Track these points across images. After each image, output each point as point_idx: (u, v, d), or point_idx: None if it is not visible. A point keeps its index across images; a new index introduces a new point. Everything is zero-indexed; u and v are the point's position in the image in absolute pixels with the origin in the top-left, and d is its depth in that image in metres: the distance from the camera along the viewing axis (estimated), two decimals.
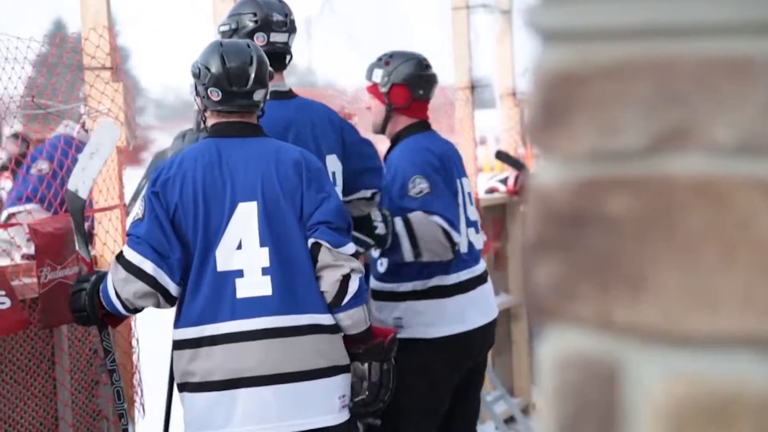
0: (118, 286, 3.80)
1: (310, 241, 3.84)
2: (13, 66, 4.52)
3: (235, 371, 3.73)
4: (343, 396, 3.88)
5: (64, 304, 4.25)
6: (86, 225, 4.99)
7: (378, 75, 5.04)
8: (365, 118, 7.39)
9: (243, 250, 3.76)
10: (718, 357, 0.86)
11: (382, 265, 4.97)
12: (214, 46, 3.96)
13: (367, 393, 4.02)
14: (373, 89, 5.07)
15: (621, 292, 0.90)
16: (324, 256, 3.84)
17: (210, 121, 3.96)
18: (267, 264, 3.76)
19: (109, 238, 4.72)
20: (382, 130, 5.11)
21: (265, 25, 4.30)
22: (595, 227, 0.92)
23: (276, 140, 4.00)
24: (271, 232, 3.78)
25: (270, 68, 4.00)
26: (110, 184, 4.68)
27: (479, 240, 5.14)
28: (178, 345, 3.84)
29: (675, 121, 0.88)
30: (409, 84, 5.02)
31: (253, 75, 3.88)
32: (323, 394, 3.79)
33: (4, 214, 5.10)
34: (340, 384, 3.88)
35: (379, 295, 4.98)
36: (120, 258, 3.81)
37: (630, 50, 0.90)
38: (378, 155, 4.74)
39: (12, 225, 5.06)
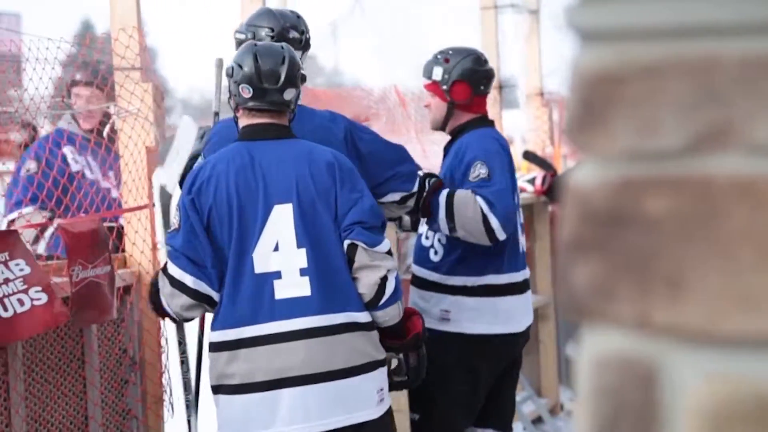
0: (166, 299, 3.87)
1: (346, 242, 3.88)
2: (44, 66, 4.54)
3: (279, 371, 3.78)
4: (381, 389, 3.94)
5: (95, 303, 4.28)
6: (115, 224, 5.01)
7: (438, 73, 5.07)
8: (393, 116, 7.39)
9: (280, 252, 3.81)
10: (759, 358, 0.85)
11: (436, 254, 4.99)
12: (248, 46, 4.01)
13: (407, 377, 4.11)
14: (434, 87, 5.10)
15: (660, 292, 0.90)
16: (361, 257, 3.88)
17: (241, 122, 4.00)
18: (305, 265, 3.81)
19: (138, 238, 4.73)
20: (442, 126, 5.13)
21: (280, 41, 4.30)
22: (634, 227, 0.91)
23: (307, 141, 4.04)
24: (307, 233, 3.83)
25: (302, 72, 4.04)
26: (139, 185, 4.69)
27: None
28: (215, 347, 3.88)
29: (714, 121, 0.88)
30: (470, 80, 5.06)
31: (284, 74, 3.93)
32: (362, 389, 3.85)
33: (4, 222, 5.11)
34: (377, 378, 3.92)
35: (426, 284, 4.99)
36: (165, 271, 3.88)
37: (669, 50, 0.90)
38: (407, 157, 4.73)
39: (31, 226, 5.06)
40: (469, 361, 4.91)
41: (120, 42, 4.61)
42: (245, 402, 3.81)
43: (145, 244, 4.72)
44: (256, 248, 3.81)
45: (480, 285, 4.93)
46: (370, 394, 3.87)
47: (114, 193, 5.42)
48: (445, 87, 5.06)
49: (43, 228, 5.08)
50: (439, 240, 4.98)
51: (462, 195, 4.76)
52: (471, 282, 4.93)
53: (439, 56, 5.12)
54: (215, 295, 3.85)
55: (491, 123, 5.15)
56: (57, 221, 4.43)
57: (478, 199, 4.77)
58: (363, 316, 3.90)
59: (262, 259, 3.81)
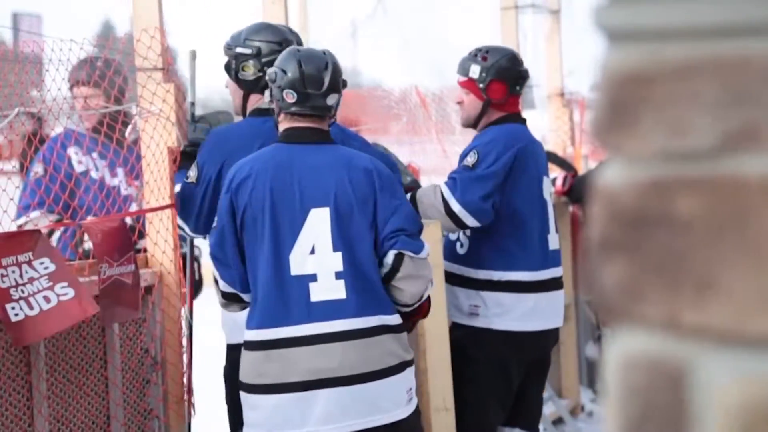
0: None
1: (392, 252, 3.96)
2: (67, 67, 4.55)
3: (315, 372, 3.85)
4: (410, 389, 4.01)
5: (121, 301, 4.29)
6: (137, 224, 5.02)
7: (475, 70, 5.11)
8: (413, 117, 7.39)
9: (316, 255, 3.88)
10: None
11: (462, 247, 5.02)
12: (291, 51, 4.10)
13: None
14: (470, 84, 5.13)
15: (689, 293, 0.90)
16: (407, 267, 3.95)
17: (282, 126, 4.08)
18: (340, 268, 3.88)
19: (160, 238, 4.73)
20: (474, 124, 5.18)
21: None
22: (663, 228, 0.91)
23: (346, 148, 4.14)
24: (343, 237, 3.90)
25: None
26: (161, 184, 4.70)
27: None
28: (251, 346, 3.94)
29: (745, 121, 0.87)
30: (507, 79, 5.11)
31: (328, 79, 4.02)
32: (394, 389, 3.92)
33: (13, 226, 5.13)
34: (407, 378, 4.00)
35: (454, 279, 5.02)
36: (215, 277, 4.07)
37: (699, 50, 0.90)
38: (393, 160, 4.85)
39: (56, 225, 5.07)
40: (499, 357, 4.95)
41: (142, 42, 4.61)
42: (280, 401, 3.88)
43: (167, 245, 4.73)
44: (292, 250, 3.88)
45: (506, 280, 4.98)
46: (401, 394, 3.96)
47: (124, 191, 5.44)
48: (482, 85, 5.10)
49: (49, 232, 5.09)
50: (464, 233, 5.03)
51: (424, 188, 5.01)
52: (497, 276, 4.98)
53: (476, 54, 5.15)
54: (244, 296, 3.95)
55: (522, 121, 5.19)
56: (79, 223, 4.44)
57: (442, 185, 4.92)
58: (394, 319, 3.98)
59: (299, 262, 3.88)
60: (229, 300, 4.03)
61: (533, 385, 5.16)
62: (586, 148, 9.95)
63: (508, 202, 4.98)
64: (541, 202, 5.07)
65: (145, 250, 4.77)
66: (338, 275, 3.89)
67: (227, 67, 4.62)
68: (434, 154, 6.94)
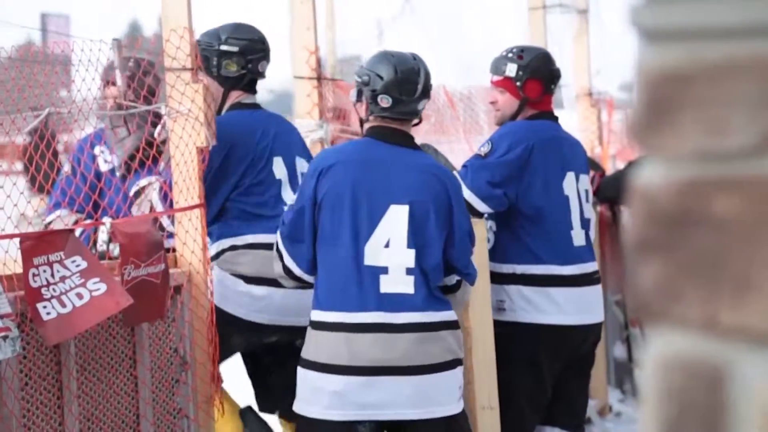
0: (275, 260, 4.23)
1: (458, 278, 4.20)
2: (96, 68, 4.56)
3: (377, 360, 3.99)
4: (461, 387, 4.16)
5: (146, 301, 4.31)
6: (165, 225, 5.03)
7: (512, 69, 5.14)
8: (441, 117, 7.38)
9: (390, 249, 4.04)
10: None
11: (488, 242, 5.04)
12: (385, 56, 4.27)
13: None
14: (506, 83, 5.16)
15: (728, 293, 0.89)
16: (461, 293, 4.25)
17: (369, 124, 4.25)
18: (412, 265, 4.05)
19: (189, 238, 4.74)
20: (510, 122, 5.21)
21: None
22: (701, 228, 0.91)
23: (425, 154, 4.32)
24: (417, 236, 4.07)
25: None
26: (190, 184, 4.71)
27: (590, 238, 5.21)
28: (317, 326, 4.10)
29: None
30: (543, 78, 5.14)
31: (420, 86, 4.19)
32: (448, 385, 4.08)
33: (43, 225, 5.15)
34: (458, 376, 4.17)
35: None
36: (277, 242, 4.22)
37: (737, 49, 0.89)
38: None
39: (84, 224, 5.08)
40: (529, 352, 4.97)
41: (171, 43, 4.63)
42: (341, 383, 4.02)
43: (196, 244, 4.74)
44: (368, 242, 4.05)
45: (530, 274, 4.99)
46: (454, 390, 4.11)
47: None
48: (519, 83, 5.12)
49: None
50: (490, 227, 5.05)
51: None
52: (520, 270, 4.99)
53: (510, 53, 5.17)
54: (306, 277, 4.13)
55: (554, 118, 5.21)
56: (107, 220, 4.45)
57: (454, 173, 4.94)
58: (453, 316, 4.16)
59: (373, 253, 4.04)
60: (288, 275, 4.20)
61: (574, 383, 5.16)
62: (614, 147, 9.93)
63: (527, 196, 5.00)
64: (562, 198, 5.07)
65: (173, 250, 4.78)
66: (409, 271, 4.05)
67: (206, 64, 4.78)
68: (462, 153, 6.93)
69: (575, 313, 5.05)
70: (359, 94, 4.25)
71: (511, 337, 4.95)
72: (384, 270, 4.04)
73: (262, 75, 5.02)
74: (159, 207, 5.09)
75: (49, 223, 5.15)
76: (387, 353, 4.00)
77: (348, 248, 4.05)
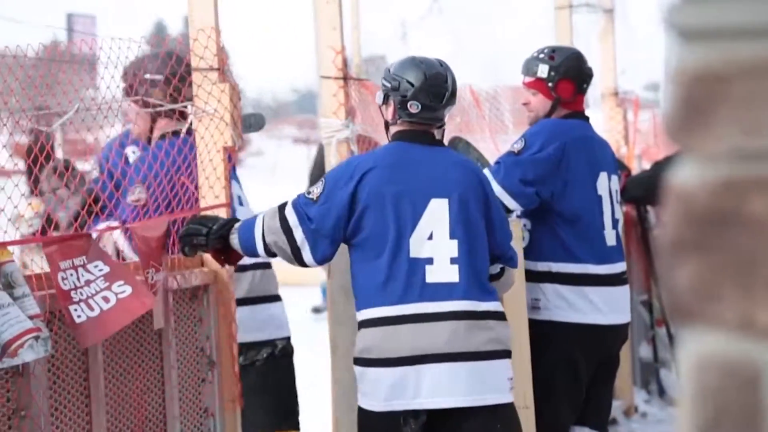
0: (268, 230, 4.26)
1: (502, 266, 4.33)
2: (117, 66, 4.57)
3: (424, 348, 4.11)
4: (511, 378, 4.23)
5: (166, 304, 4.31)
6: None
7: (544, 70, 5.14)
8: (467, 116, 7.38)
9: (433, 241, 4.17)
10: None
11: (523, 240, 5.05)
12: (415, 62, 4.36)
13: None
14: (538, 84, 5.17)
15: (764, 293, 0.89)
16: (506, 278, 4.38)
17: (396, 128, 4.36)
18: (455, 254, 4.18)
19: None
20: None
21: None
22: (737, 228, 0.90)
23: (452, 150, 4.52)
24: (459, 227, 4.20)
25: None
26: (215, 184, 4.72)
27: (620, 238, 5.21)
28: (368, 323, 4.21)
29: None
30: (575, 78, 5.14)
31: (448, 93, 4.30)
32: (498, 374, 4.16)
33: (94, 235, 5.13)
34: (508, 367, 4.23)
35: None
36: (281, 211, 4.26)
37: None
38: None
39: (109, 229, 5.06)
40: (565, 351, 4.97)
41: (198, 42, 4.64)
42: (392, 374, 4.13)
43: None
44: (412, 235, 4.18)
45: (565, 272, 5.00)
46: (504, 381, 4.19)
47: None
48: (551, 84, 5.13)
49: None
50: (525, 225, 5.06)
51: None
52: (555, 268, 5.00)
53: (542, 54, 5.17)
54: (308, 260, 4.23)
55: (585, 118, 5.21)
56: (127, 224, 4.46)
57: (486, 170, 5.00)
58: (500, 306, 4.27)
59: (417, 246, 4.17)
60: (296, 261, 4.28)
61: (602, 384, 5.17)
62: (639, 147, 9.90)
63: (564, 195, 5.01)
64: (596, 198, 5.07)
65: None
66: (453, 260, 4.17)
67: (130, 93, 4.79)
68: (488, 152, 6.91)
69: (609, 313, 5.05)
70: (386, 97, 4.35)
71: (547, 336, 4.96)
72: (429, 261, 4.17)
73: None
74: (126, 248, 5.07)
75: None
76: (431, 341, 4.11)
77: (393, 245, 4.18)
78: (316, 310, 13.81)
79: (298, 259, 4.25)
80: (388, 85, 4.34)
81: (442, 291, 4.16)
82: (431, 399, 4.10)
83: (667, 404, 7.94)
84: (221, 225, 4.37)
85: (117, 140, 5.36)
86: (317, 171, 11.74)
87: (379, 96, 4.39)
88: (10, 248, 3.83)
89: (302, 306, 12.68)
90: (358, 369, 4.27)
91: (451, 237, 4.19)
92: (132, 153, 5.36)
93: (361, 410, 4.29)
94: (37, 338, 3.70)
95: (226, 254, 4.43)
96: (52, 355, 3.96)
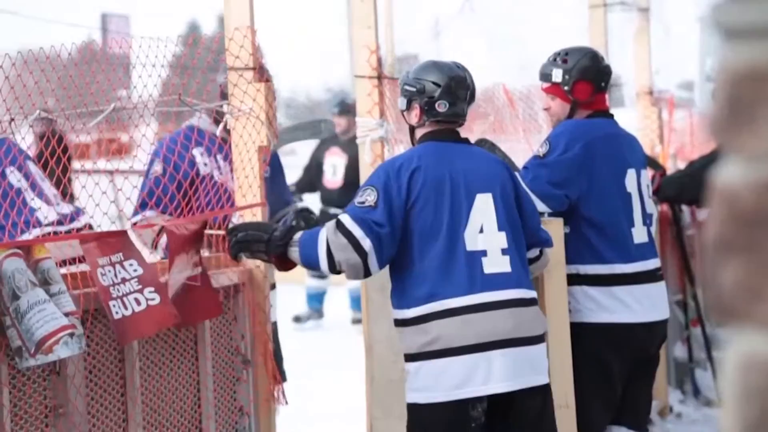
0: (335, 248, 4.30)
1: (540, 248, 4.55)
2: (153, 65, 4.59)
3: (489, 335, 4.28)
4: (547, 359, 4.45)
5: (195, 302, 4.30)
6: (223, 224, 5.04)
7: (558, 74, 5.15)
8: (500, 116, 7.36)
9: (485, 234, 4.35)
10: None
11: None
12: (433, 64, 4.54)
13: None
14: (554, 89, 5.18)
15: None
16: (544, 259, 4.62)
17: (423, 129, 4.49)
18: (506, 245, 4.37)
19: None
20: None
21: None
22: None
23: (478, 147, 4.72)
24: (506, 219, 4.39)
25: None
26: (251, 183, 4.73)
27: (652, 234, 5.20)
28: (433, 316, 4.31)
29: None
30: (591, 78, 5.14)
31: (471, 90, 4.49)
32: (542, 356, 4.39)
33: (128, 225, 5.12)
34: (546, 349, 4.45)
35: None
36: (340, 226, 4.31)
37: None
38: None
39: (144, 227, 5.08)
40: (597, 352, 4.97)
41: (234, 42, 4.65)
42: (462, 362, 4.27)
43: None
44: (466, 229, 4.34)
45: (593, 274, 4.99)
46: (546, 361, 4.42)
47: None
48: (566, 88, 5.13)
49: (161, 233, 5.07)
50: None
51: None
52: (583, 270, 5.00)
53: (556, 58, 5.17)
54: (374, 270, 4.32)
55: (609, 116, 5.19)
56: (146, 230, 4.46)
57: (515, 174, 4.97)
58: (535, 294, 4.48)
59: (471, 239, 4.34)
60: (356, 274, 4.34)
61: (639, 382, 5.15)
62: (674, 146, 9.85)
63: (589, 196, 5.00)
64: (623, 195, 5.06)
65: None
66: (504, 251, 4.36)
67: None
68: (522, 153, 6.90)
69: (641, 311, 5.04)
70: (409, 102, 4.47)
71: (578, 338, 4.95)
72: (484, 253, 4.34)
73: None
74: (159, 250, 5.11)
75: (135, 224, 5.13)
76: (495, 328, 4.28)
77: (448, 240, 4.32)
78: (297, 320, 11.65)
79: (365, 272, 4.33)
80: (412, 89, 4.46)
81: (500, 281, 4.34)
82: (501, 383, 4.28)
83: (702, 405, 7.91)
84: (282, 234, 4.39)
85: (178, 143, 5.25)
86: (309, 175, 11.71)
87: (402, 102, 4.51)
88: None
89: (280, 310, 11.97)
90: (414, 365, 4.37)
91: (500, 229, 4.37)
92: (200, 155, 5.29)
93: (417, 406, 4.37)
94: (71, 335, 3.73)
95: (281, 262, 4.45)
96: (88, 354, 3.98)
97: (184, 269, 4.33)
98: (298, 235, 4.38)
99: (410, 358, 4.37)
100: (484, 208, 4.38)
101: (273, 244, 4.37)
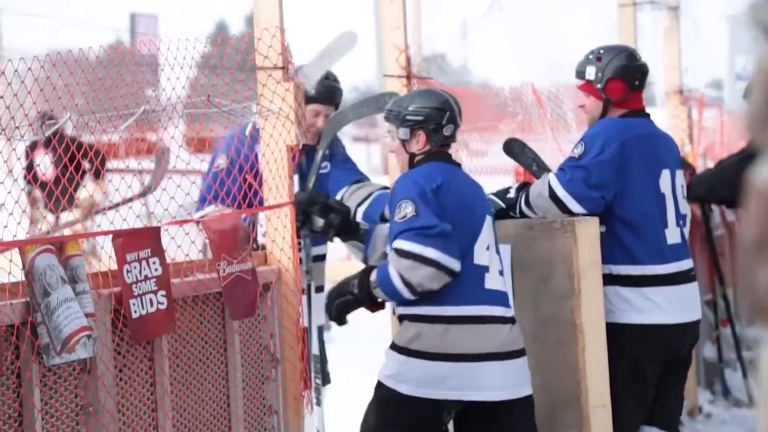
0: (405, 273, 4.40)
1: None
2: (182, 66, 4.59)
3: (488, 348, 4.43)
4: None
5: (241, 297, 4.35)
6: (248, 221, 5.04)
7: (591, 72, 5.15)
8: (528, 115, 7.35)
9: (489, 252, 4.53)
10: None
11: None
12: (429, 92, 4.70)
13: None
14: (588, 87, 5.17)
15: None
16: None
17: (424, 152, 4.57)
18: (500, 267, 4.56)
19: (278, 236, 4.77)
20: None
21: None
22: None
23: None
24: (496, 243, 4.59)
25: None
26: (279, 182, 4.74)
27: (685, 235, 5.17)
28: (434, 320, 4.45)
29: None
30: (624, 76, 5.13)
31: (460, 112, 4.63)
32: (526, 369, 4.54)
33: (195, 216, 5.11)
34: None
35: None
36: (398, 251, 4.41)
37: None
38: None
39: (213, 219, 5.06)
40: (629, 352, 4.96)
41: (263, 42, 4.66)
42: (456, 368, 4.41)
43: (285, 242, 4.77)
44: (476, 243, 4.49)
45: (626, 274, 4.99)
46: (528, 374, 4.55)
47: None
48: (599, 86, 5.13)
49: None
50: None
51: (536, 182, 5.17)
52: (616, 271, 5.00)
53: (590, 56, 5.17)
54: (456, 266, 4.40)
55: (645, 115, 5.18)
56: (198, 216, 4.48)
57: (551, 175, 5.08)
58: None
59: (480, 254, 4.50)
60: (437, 269, 4.41)
61: (671, 383, 5.14)
62: (703, 146, 9.81)
63: (624, 197, 4.99)
64: (657, 196, 5.05)
65: (264, 247, 4.82)
66: (500, 272, 4.55)
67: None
68: (550, 152, 6.89)
69: (674, 312, 5.03)
70: (412, 132, 4.56)
71: (611, 338, 4.95)
72: (486, 269, 4.51)
73: None
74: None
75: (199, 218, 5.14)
76: (501, 340, 4.46)
77: (463, 250, 4.45)
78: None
79: (449, 273, 4.41)
80: (418, 118, 4.56)
81: (497, 297, 4.51)
82: (498, 391, 4.44)
83: (731, 405, 7.87)
84: (360, 285, 4.55)
85: (234, 137, 5.22)
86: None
87: (404, 132, 4.58)
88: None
89: None
90: (405, 358, 4.47)
91: (496, 252, 4.58)
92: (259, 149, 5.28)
93: (397, 394, 4.47)
94: (89, 337, 3.74)
95: (374, 306, 4.65)
96: (119, 353, 3.99)
97: (240, 262, 4.37)
98: (373, 276, 4.50)
99: (404, 351, 4.48)
100: (488, 229, 4.55)
101: (362, 298, 4.56)
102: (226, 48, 4.88)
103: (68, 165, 4.19)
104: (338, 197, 5.30)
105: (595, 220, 4.96)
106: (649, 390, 5.04)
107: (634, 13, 7.58)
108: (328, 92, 5.33)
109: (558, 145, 7.22)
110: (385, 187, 5.38)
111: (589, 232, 4.89)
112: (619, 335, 4.96)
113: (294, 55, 4.83)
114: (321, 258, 5.27)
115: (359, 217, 5.25)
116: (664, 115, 8.29)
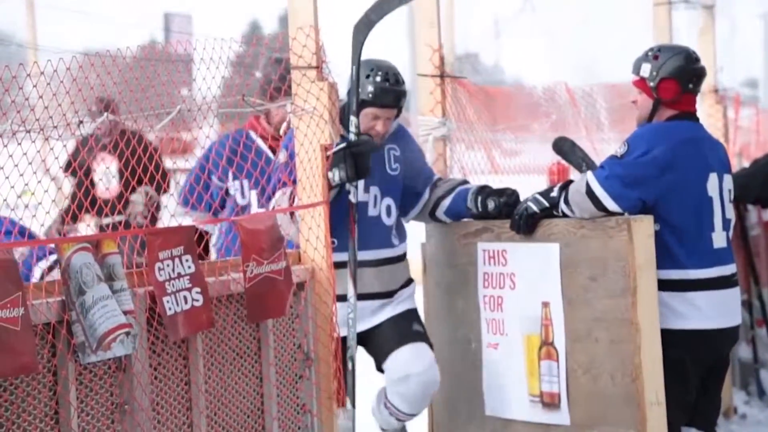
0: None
1: None
2: (218, 66, 4.60)
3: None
4: None
5: (269, 298, 4.35)
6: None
7: (646, 69, 5.12)
8: (562, 114, 7.33)
9: None
10: None
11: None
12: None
13: None
14: (641, 84, 5.14)
15: None
16: None
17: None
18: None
19: (312, 235, 4.78)
20: (647, 123, 5.16)
21: None
22: None
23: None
24: None
25: None
26: (313, 182, 4.74)
27: (730, 239, 5.15)
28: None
29: None
30: (679, 78, 5.09)
31: None
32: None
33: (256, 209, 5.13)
34: None
35: None
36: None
37: None
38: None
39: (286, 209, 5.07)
40: (673, 356, 4.94)
41: (297, 41, 4.67)
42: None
43: (319, 241, 4.77)
44: None
45: (670, 279, 4.95)
46: None
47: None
48: (652, 84, 5.09)
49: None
50: None
51: (576, 180, 5.14)
52: (660, 275, 4.94)
53: (649, 53, 5.15)
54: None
55: (695, 119, 5.14)
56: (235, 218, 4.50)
57: (589, 172, 5.03)
58: None
59: None
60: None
61: (710, 386, 5.12)
62: (739, 145, 9.76)
63: (666, 200, 4.94)
64: (704, 199, 5.00)
65: (297, 247, 4.82)
66: None
67: None
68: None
69: (717, 317, 4.99)
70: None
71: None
72: None
73: None
74: (293, 234, 5.08)
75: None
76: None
77: None
78: None
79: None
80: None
81: None
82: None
83: (766, 406, 7.83)
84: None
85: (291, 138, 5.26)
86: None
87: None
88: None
89: None
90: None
91: None
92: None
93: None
94: (127, 334, 3.76)
95: None
96: (154, 351, 4.01)
97: (270, 263, 4.38)
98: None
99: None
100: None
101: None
102: (260, 47, 4.89)
103: (136, 169, 4.23)
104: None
105: (650, 219, 4.92)
106: (691, 393, 5.02)
107: (669, 13, 7.55)
108: (384, 95, 5.23)
109: (591, 144, 7.19)
110: (465, 181, 5.50)
111: (644, 230, 4.85)
112: (662, 339, 4.93)
113: (328, 54, 4.84)
114: (341, 265, 5.15)
115: (441, 211, 5.44)
116: (699, 114, 8.24)
